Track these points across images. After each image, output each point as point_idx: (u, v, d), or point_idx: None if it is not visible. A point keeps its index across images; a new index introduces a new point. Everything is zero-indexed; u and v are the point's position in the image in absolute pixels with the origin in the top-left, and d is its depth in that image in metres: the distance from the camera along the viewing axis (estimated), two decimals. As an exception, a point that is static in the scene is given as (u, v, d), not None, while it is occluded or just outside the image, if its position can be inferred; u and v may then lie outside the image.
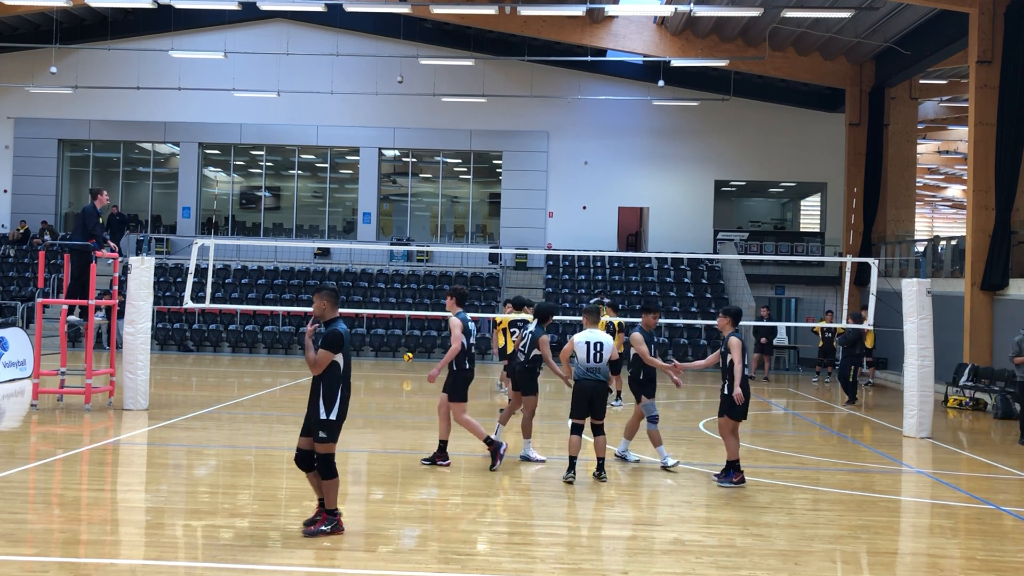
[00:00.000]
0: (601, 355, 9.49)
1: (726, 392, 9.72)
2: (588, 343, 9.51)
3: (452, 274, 29.69)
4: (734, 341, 9.71)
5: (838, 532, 7.95)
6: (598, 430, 9.71)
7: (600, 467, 9.70)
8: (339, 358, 7.11)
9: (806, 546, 7.48)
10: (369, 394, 17.75)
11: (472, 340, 10.10)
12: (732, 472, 9.75)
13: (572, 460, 9.57)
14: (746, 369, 9.79)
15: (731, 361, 9.64)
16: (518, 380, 10.76)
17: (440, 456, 10.22)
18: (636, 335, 10.45)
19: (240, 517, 7.76)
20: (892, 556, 7.46)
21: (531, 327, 10.74)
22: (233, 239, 30.46)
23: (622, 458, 10.77)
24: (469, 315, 10.26)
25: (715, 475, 9.94)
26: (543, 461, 10.62)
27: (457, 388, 10.09)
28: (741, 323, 10.17)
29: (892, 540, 7.99)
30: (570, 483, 9.33)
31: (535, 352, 10.46)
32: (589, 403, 9.53)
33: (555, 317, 16.46)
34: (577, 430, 9.58)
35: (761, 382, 21.76)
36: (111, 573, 6.24)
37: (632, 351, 10.48)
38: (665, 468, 10.43)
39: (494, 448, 10.13)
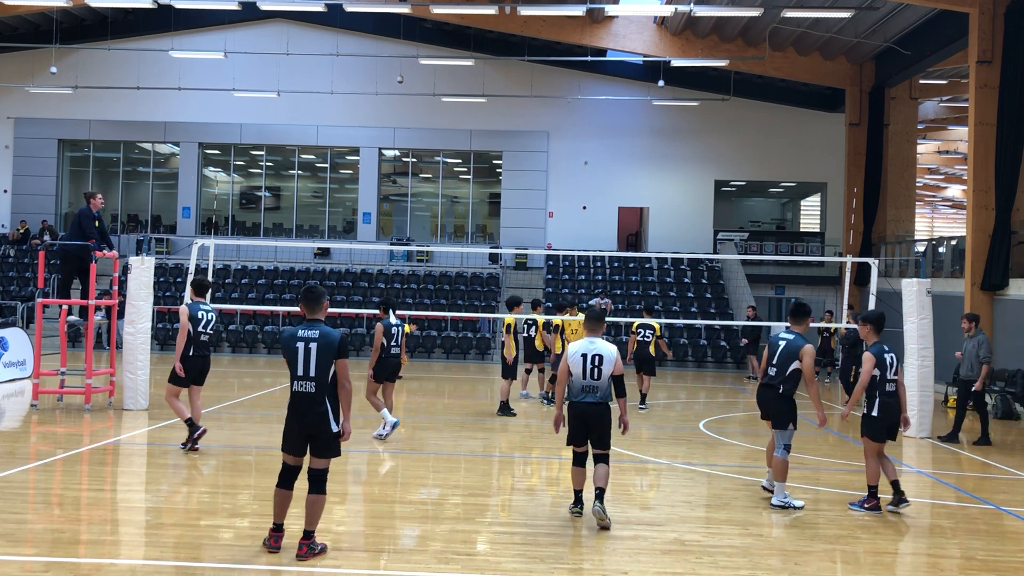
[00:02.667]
0: (600, 370, 7.83)
1: (865, 411, 8.74)
2: (585, 355, 7.86)
3: (452, 274, 29.71)
4: (866, 356, 8.70)
5: (838, 532, 7.95)
6: (600, 459, 7.99)
7: (600, 498, 7.86)
8: (288, 362, 6.72)
9: (806, 546, 7.48)
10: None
11: (205, 328, 10.67)
12: (867, 497, 8.79)
13: (577, 493, 8.21)
14: (889, 384, 8.64)
15: (873, 376, 8.64)
16: (394, 371, 11.96)
17: (190, 438, 10.64)
18: (809, 347, 8.63)
19: (240, 517, 7.76)
20: (892, 556, 7.46)
21: (397, 320, 12.03)
22: (233, 239, 30.43)
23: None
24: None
25: (851, 503, 8.91)
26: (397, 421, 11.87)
27: (188, 371, 10.65)
28: (738, 323, 9.96)
29: (892, 540, 7.99)
30: (577, 515, 8.07)
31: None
32: (586, 428, 7.92)
33: (544, 317, 16.76)
34: (579, 460, 8.10)
35: (753, 383, 21.79)
36: (111, 573, 6.24)
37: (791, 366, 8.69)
38: (780, 506, 8.74)
39: (192, 429, 10.57)
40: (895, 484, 8.68)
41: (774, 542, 7.59)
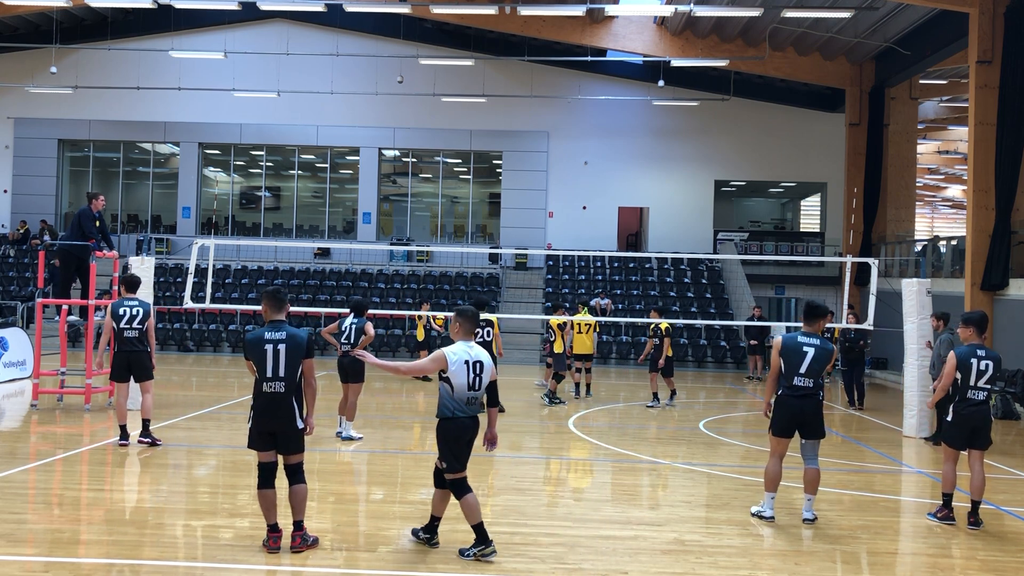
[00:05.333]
0: (481, 379, 6.79)
1: (943, 414, 8.40)
2: (468, 362, 6.73)
3: (452, 274, 29.70)
4: (950, 355, 8.30)
5: (838, 532, 7.95)
6: (467, 484, 6.89)
7: (482, 539, 6.72)
8: (255, 364, 6.76)
9: (806, 546, 7.48)
10: (369, 394, 17.73)
11: (129, 324, 10.92)
12: (940, 507, 8.39)
13: (435, 520, 6.99)
14: (972, 392, 8.14)
15: (957, 378, 8.21)
16: (348, 371, 11.66)
17: (142, 435, 10.85)
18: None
19: (240, 517, 7.76)
20: (892, 556, 7.46)
21: (352, 320, 11.75)
22: (233, 239, 30.45)
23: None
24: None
25: (928, 513, 8.53)
26: (360, 438, 11.74)
27: (113, 368, 11.04)
28: (739, 323, 9.81)
29: (892, 540, 7.99)
30: (435, 546, 6.97)
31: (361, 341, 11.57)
32: (469, 446, 6.87)
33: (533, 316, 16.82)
34: (443, 483, 6.93)
35: (754, 382, 21.88)
36: (111, 573, 6.24)
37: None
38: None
39: (124, 434, 10.82)
40: (975, 505, 8.26)
41: (774, 542, 7.59)
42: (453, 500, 6.84)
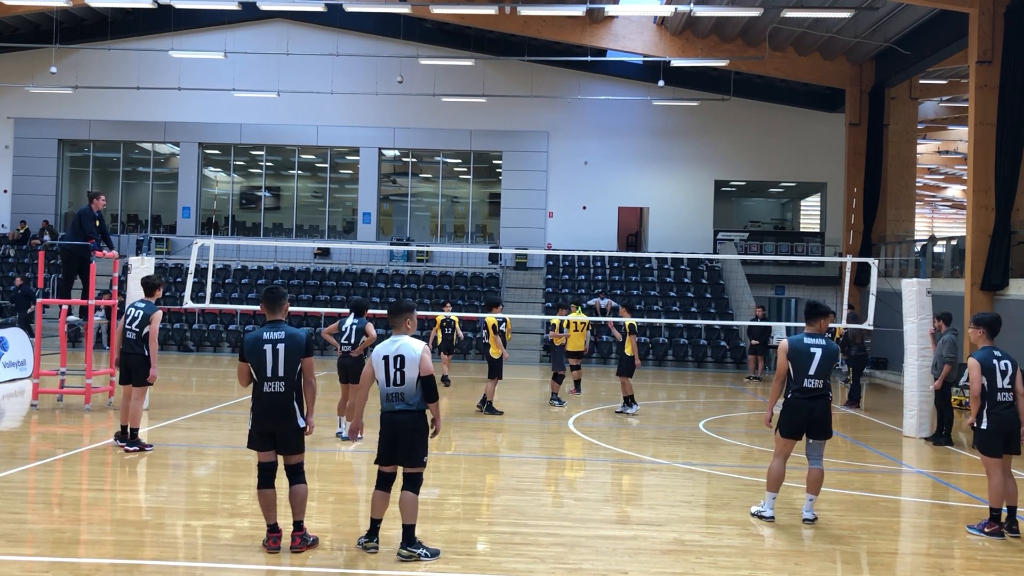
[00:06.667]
0: (403, 373, 6.71)
1: (975, 423, 8.02)
2: (387, 357, 6.75)
3: (452, 274, 29.70)
4: (971, 362, 8.04)
5: (838, 532, 7.95)
6: (409, 482, 6.75)
7: (410, 539, 6.74)
8: (251, 366, 6.75)
9: (806, 546, 7.48)
10: (369, 394, 17.74)
11: (130, 325, 10.72)
12: (987, 520, 8.03)
13: (374, 523, 6.85)
14: (1001, 395, 7.93)
15: (982, 385, 7.99)
16: (348, 371, 11.59)
17: (125, 441, 10.58)
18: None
19: (240, 517, 7.76)
20: (892, 556, 7.46)
21: (352, 320, 11.81)
22: (233, 239, 30.44)
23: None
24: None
25: (969, 526, 8.17)
26: (360, 438, 10.94)
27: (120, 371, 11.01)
28: (739, 323, 9.75)
29: (892, 540, 7.99)
30: (372, 551, 6.80)
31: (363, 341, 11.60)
32: (393, 442, 6.74)
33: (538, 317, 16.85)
34: (385, 483, 6.82)
35: (754, 382, 21.89)
36: (111, 573, 6.24)
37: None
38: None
39: (123, 435, 10.65)
40: (1012, 511, 8.00)
41: (774, 542, 7.59)
42: (433, 499, 6.82)
